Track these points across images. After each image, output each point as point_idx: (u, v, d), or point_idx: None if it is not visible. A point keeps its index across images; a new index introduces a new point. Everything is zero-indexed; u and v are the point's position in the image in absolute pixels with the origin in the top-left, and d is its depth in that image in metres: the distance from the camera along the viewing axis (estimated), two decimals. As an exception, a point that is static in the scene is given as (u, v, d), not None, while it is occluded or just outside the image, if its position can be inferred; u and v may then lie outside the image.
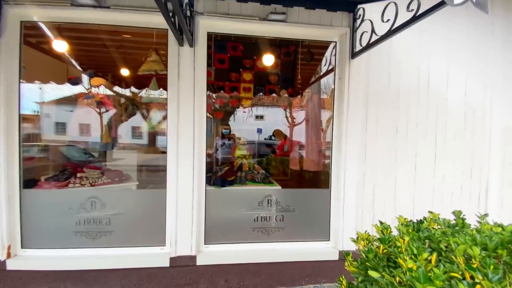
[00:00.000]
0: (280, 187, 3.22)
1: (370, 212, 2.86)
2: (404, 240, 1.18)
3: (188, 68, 2.50)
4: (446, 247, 1.23)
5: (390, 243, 1.26)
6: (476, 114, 3.06)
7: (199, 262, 2.57)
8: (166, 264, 2.53)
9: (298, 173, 4.18)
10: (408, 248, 1.14)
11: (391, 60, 2.84)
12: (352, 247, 2.86)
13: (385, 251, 1.20)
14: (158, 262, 2.53)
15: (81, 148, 4.55)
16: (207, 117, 2.75)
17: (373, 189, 2.86)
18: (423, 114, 2.94)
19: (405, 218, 1.61)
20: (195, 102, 2.52)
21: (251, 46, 4.23)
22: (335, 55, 2.87)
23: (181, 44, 2.46)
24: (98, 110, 3.91)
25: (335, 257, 2.79)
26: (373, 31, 2.34)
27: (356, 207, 2.81)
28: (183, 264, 2.55)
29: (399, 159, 2.90)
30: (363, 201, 2.85)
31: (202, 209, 2.65)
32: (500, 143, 3.12)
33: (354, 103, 2.77)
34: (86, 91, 4.07)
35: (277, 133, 5.77)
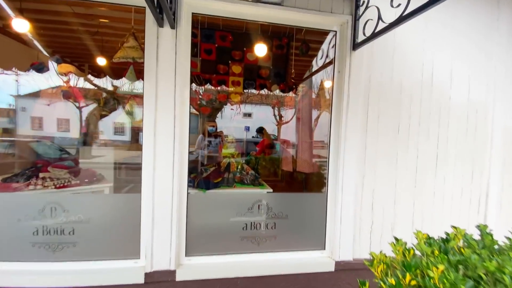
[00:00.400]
0: (271, 190, 2.95)
1: (368, 218, 2.64)
2: (437, 268, 0.93)
3: (169, 53, 2.16)
4: (485, 274, 0.99)
5: (417, 271, 1.00)
6: (478, 114, 2.90)
7: (179, 277, 2.24)
8: (141, 280, 2.18)
9: (290, 175, 3.92)
10: (445, 281, 0.88)
11: (395, 51, 2.61)
12: (349, 256, 2.62)
13: (413, 283, 0.94)
14: (131, 278, 2.18)
15: (48, 144, 4.08)
16: (192, 112, 2.42)
17: (372, 193, 2.63)
18: (426, 113, 2.73)
19: (423, 234, 1.36)
20: (176, 93, 2.18)
21: (241, 36, 3.92)
22: (334, 46, 2.60)
23: (160, 24, 2.11)
24: (65, 101, 3.46)
25: (331, 268, 2.54)
26: (379, 18, 2.09)
27: (354, 213, 2.57)
28: (160, 280, 2.21)
29: (400, 161, 2.69)
30: (362, 206, 2.61)
31: (183, 216, 2.32)
32: (501, 145, 2.98)
33: (354, 100, 2.51)
34: (62, 80, 3.63)
35: (265, 132, 5.48)
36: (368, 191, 2.62)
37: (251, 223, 2.49)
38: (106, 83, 4.33)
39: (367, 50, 2.51)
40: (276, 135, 9.01)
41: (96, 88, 4.37)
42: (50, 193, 2.46)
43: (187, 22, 2.24)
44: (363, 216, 2.62)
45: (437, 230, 2.82)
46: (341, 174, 2.52)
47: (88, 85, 4.28)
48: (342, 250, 2.55)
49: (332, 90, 2.59)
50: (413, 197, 2.75)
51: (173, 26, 2.13)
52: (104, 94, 4.38)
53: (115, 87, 4.39)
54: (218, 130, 4.52)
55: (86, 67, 4.37)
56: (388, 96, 2.62)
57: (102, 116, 4.94)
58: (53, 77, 3.51)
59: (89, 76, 3.92)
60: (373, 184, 2.63)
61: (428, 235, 1.39)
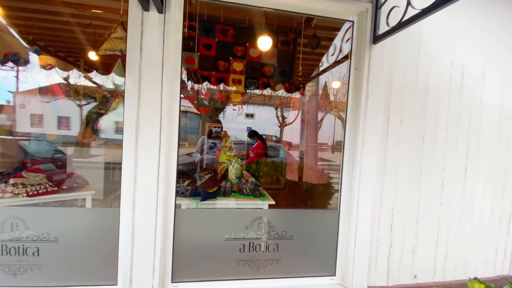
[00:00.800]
0: (273, 202, 2.61)
1: (387, 239, 2.27)
2: None
3: (155, 41, 1.81)
4: None
5: None
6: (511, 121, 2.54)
7: (163, 308, 1.90)
8: (116, 311, 1.84)
9: (295, 183, 3.56)
10: None
11: (421, 48, 2.25)
12: (363, 284, 2.22)
13: None
14: (105, 309, 1.83)
15: (26, 144, 3.75)
16: (194, 112, 2.07)
17: (391, 211, 2.27)
18: (455, 119, 2.37)
19: (480, 284, 1.00)
20: (163, 89, 1.83)
21: (244, 30, 3.58)
22: (350, 39, 2.25)
23: (145, 8, 1.76)
24: (43, 98, 3.12)
25: (342, 297, 2.18)
26: (409, 3, 1.73)
27: (371, 233, 2.21)
28: (140, 312, 1.86)
29: (424, 174, 2.32)
30: (380, 226, 2.25)
31: (169, 235, 1.96)
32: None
33: (374, 101, 2.15)
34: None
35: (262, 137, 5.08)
36: (387, 208, 2.25)
37: (250, 243, 2.12)
38: (98, 78, 4.01)
39: (389, 44, 2.16)
40: (279, 137, 8.68)
41: (90, 85, 4.07)
42: (11, 206, 2.12)
43: (178, 6, 1.89)
44: (380, 237, 2.25)
45: (463, 253, 2.45)
46: (357, 188, 2.16)
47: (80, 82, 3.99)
48: (356, 277, 2.18)
49: (348, 90, 2.23)
50: (438, 216, 2.38)
51: (160, 10, 1.78)
52: (105, 92, 4.08)
53: (116, 85, 4.08)
54: (222, 131, 4.18)
55: (81, 62, 4.08)
56: (412, 98, 2.26)
57: (100, 115, 4.64)
58: (51, 73, 3.20)
59: (75, 71, 3.58)
60: (394, 200, 2.26)
61: (486, 285, 1.03)
